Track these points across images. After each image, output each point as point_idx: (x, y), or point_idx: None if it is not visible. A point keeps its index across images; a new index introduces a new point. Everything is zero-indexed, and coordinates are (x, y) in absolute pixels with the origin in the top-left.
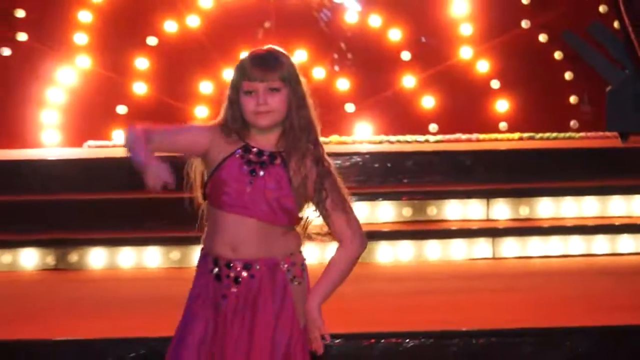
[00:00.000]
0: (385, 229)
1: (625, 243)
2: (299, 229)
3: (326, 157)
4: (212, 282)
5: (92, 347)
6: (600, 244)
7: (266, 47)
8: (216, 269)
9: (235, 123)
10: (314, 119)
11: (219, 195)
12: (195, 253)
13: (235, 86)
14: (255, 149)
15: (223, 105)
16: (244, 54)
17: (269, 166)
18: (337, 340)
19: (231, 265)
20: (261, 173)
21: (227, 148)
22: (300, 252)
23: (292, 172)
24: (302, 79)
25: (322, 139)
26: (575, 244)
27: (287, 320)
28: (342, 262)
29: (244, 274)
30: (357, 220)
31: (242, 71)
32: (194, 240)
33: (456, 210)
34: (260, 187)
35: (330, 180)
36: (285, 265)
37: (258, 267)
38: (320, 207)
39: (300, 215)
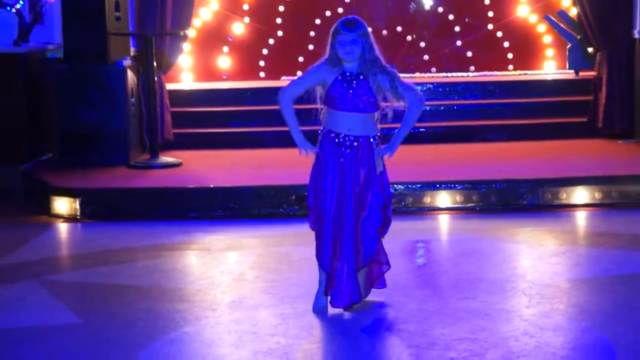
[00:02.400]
0: None
1: None
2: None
3: (389, 68)
4: (335, 147)
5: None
6: None
7: (352, 16)
8: (337, 140)
9: (333, 59)
10: (378, 54)
11: (334, 103)
12: None
13: (334, 37)
14: (347, 73)
15: (327, 50)
16: (339, 20)
17: (357, 80)
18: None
19: (347, 137)
20: (354, 85)
21: (332, 75)
22: (379, 132)
23: (371, 82)
24: (370, 33)
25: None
26: None
27: (372, 167)
28: (415, 114)
29: (355, 143)
30: (417, 90)
31: (338, 29)
32: None
33: None
34: (356, 93)
35: (397, 78)
36: (372, 140)
37: (361, 139)
38: (396, 93)
39: (379, 105)
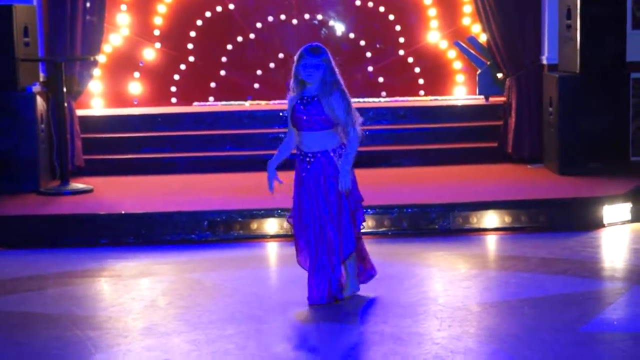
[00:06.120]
0: None
1: None
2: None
3: (345, 96)
4: (299, 163)
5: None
6: None
7: (315, 43)
8: (300, 157)
9: (296, 80)
10: (339, 78)
11: (295, 124)
12: None
13: (299, 61)
14: (305, 97)
15: (292, 73)
16: (305, 46)
17: (311, 103)
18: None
19: (306, 154)
20: (309, 107)
21: (294, 100)
22: (341, 145)
23: (323, 103)
24: (332, 59)
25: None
26: None
27: (333, 178)
28: (354, 144)
29: (312, 159)
30: (357, 127)
31: (303, 54)
32: None
33: None
34: (310, 114)
35: (345, 106)
36: (332, 153)
37: (318, 154)
38: (338, 118)
39: (335, 123)
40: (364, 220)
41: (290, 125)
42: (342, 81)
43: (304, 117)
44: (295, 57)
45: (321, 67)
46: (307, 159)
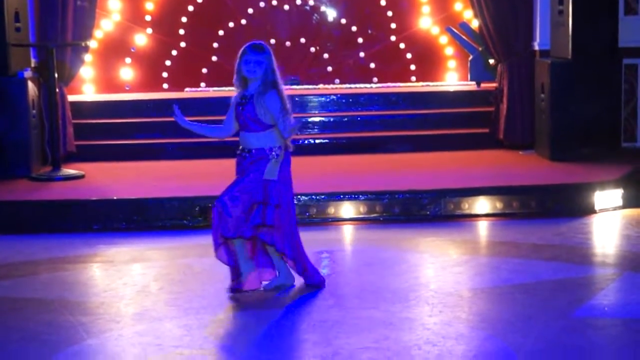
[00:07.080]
0: None
1: None
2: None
3: (281, 90)
4: (237, 159)
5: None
6: None
7: (259, 41)
8: (239, 152)
9: (239, 77)
10: (278, 78)
11: (238, 123)
12: None
13: (241, 57)
14: (244, 96)
15: (235, 70)
16: (248, 43)
17: (247, 103)
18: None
19: (242, 150)
20: (246, 107)
21: (236, 100)
22: (279, 144)
23: (255, 103)
24: (273, 58)
25: None
26: None
27: (261, 173)
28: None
29: (247, 155)
30: (287, 127)
31: (245, 51)
32: None
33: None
34: (245, 115)
35: (278, 106)
36: (268, 151)
37: (254, 151)
38: (274, 115)
39: (270, 124)
40: (259, 223)
41: (226, 119)
42: (281, 82)
43: (241, 118)
44: (238, 54)
45: (263, 64)
46: (242, 155)
